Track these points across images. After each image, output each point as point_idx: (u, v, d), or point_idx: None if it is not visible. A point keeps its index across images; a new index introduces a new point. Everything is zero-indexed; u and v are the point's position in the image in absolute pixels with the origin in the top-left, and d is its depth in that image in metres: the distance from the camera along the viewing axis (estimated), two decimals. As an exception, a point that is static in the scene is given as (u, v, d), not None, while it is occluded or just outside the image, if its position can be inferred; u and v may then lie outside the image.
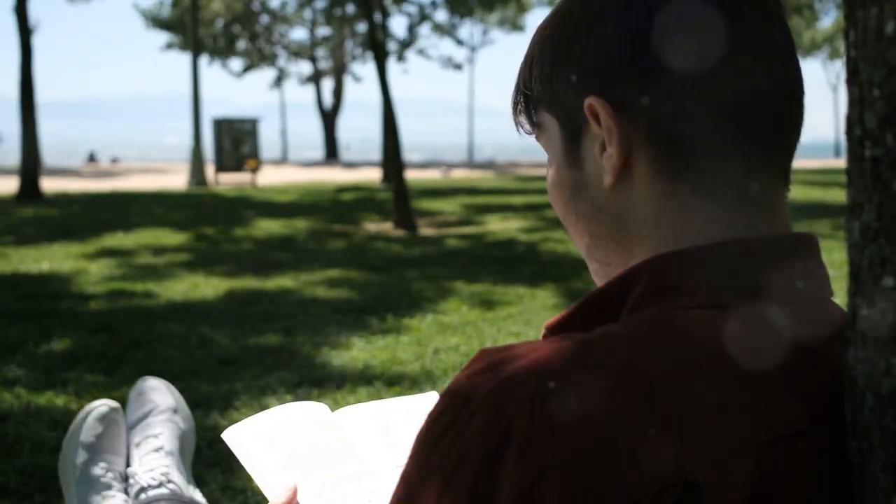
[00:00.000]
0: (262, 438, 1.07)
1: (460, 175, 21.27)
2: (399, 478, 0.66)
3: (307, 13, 35.31)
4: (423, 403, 1.15)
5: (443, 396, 0.66)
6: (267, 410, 1.12)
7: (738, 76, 0.71)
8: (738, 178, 0.71)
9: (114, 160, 31.97)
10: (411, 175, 16.81)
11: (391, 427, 1.09)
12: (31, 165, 14.29)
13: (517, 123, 0.83)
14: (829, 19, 37.51)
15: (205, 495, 1.74)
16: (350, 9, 31.03)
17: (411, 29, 33.72)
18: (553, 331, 0.74)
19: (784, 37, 0.74)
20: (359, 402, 3.88)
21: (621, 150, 0.72)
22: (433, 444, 0.63)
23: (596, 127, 0.73)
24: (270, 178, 20.48)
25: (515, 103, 0.82)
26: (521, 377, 0.62)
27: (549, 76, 0.77)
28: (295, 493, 0.99)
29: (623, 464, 0.59)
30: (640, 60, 0.71)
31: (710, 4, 0.71)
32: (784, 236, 0.72)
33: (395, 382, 4.20)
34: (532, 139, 0.85)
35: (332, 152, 35.89)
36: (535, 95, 0.79)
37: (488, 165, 27.34)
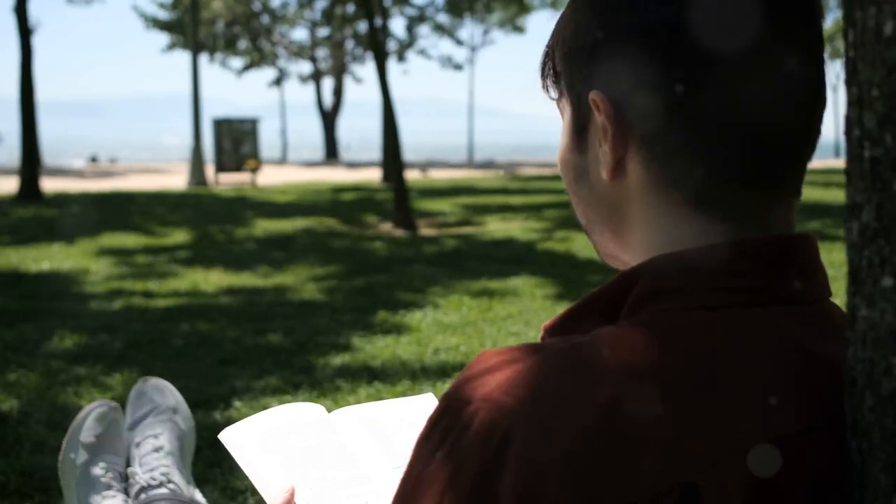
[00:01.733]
0: (258, 440, 1.07)
1: (460, 175, 21.26)
2: (399, 481, 0.66)
3: (307, 13, 35.31)
4: (419, 406, 1.15)
5: (442, 400, 0.65)
6: (263, 412, 1.12)
7: (742, 84, 0.68)
8: (736, 191, 0.69)
9: (111, 160, 31.93)
10: (411, 175, 16.81)
11: (387, 430, 1.09)
12: (31, 165, 14.28)
13: (544, 86, 0.82)
14: (829, 19, 37.48)
15: (205, 495, 1.74)
16: (350, 9, 31.03)
17: (411, 29, 33.72)
18: (551, 332, 0.74)
19: (800, 38, 0.70)
20: (359, 402, 3.87)
21: (615, 151, 0.71)
22: (433, 447, 0.63)
23: (599, 119, 0.73)
24: (270, 178, 20.47)
25: (543, 66, 0.81)
26: (520, 380, 0.62)
27: (566, 58, 0.76)
28: (292, 495, 0.98)
29: (621, 466, 0.59)
30: (645, 65, 0.70)
31: (714, 5, 0.69)
32: (781, 237, 0.71)
33: (395, 382, 4.20)
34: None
35: (332, 152, 35.88)
36: (558, 69, 0.78)
37: (488, 165, 27.34)
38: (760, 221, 0.70)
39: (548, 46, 0.80)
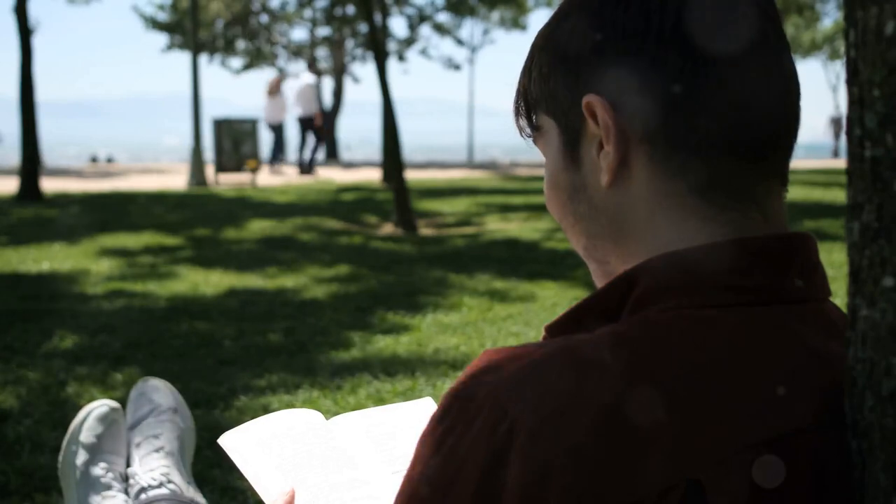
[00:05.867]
0: (258, 444, 1.07)
1: (460, 175, 21.26)
2: (403, 479, 0.66)
3: (307, 13, 35.29)
4: (417, 410, 1.15)
5: (445, 398, 0.66)
6: (262, 417, 1.13)
7: (736, 76, 0.71)
8: (735, 177, 0.72)
9: (109, 160, 31.85)
10: (411, 175, 16.81)
11: (385, 434, 1.10)
12: (31, 165, 14.27)
13: (518, 128, 0.84)
14: (829, 19, 37.43)
15: (205, 495, 1.74)
16: (350, 9, 31.02)
17: (412, 29, 33.71)
18: (553, 332, 0.74)
19: (778, 36, 0.74)
20: (359, 402, 3.88)
21: (618, 148, 0.72)
22: (437, 444, 0.64)
23: (594, 126, 0.73)
24: (270, 178, 20.47)
25: (516, 107, 0.83)
26: (523, 377, 0.63)
27: (548, 77, 0.77)
28: (292, 498, 0.99)
29: (625, 463, 0.59)
30: (637, 60, 0.71)
31: (706, 5, 0.71)
32: (782, 235, 0.72)
33: (395, 382, 4.20)
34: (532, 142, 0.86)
35: (332, 152, 35.88)
36: (534, 98, 0.79)
37: (488, 165, 27.34)
38: (761, 209, 0.72)
39: (518, 85, 0.82)
